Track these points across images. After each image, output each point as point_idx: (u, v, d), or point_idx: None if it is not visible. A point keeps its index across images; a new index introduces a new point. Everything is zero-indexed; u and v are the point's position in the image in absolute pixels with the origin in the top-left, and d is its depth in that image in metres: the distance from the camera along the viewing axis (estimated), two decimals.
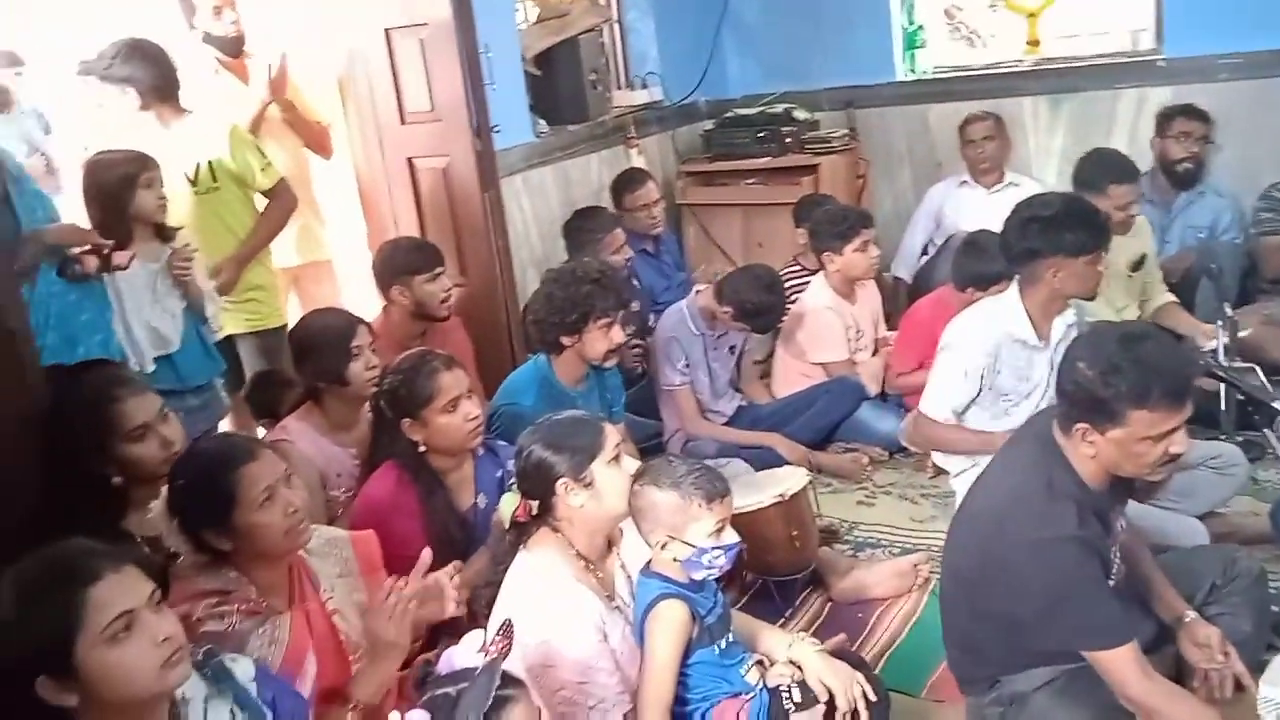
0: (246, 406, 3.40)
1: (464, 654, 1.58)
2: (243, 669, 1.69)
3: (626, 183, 4.42)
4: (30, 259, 2.60)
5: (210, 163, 3.41)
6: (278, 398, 3.17)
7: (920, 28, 5.02)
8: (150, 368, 2.95)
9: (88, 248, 2.70)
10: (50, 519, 2.02)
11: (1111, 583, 2.03)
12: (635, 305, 3.71)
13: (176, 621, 1.54)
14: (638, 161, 4.77)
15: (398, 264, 3.36)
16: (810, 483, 2.96)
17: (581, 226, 4.05)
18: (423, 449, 2.51)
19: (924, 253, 4.68)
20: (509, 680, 1.53)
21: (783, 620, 2.76)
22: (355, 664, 2.07)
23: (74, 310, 2.76)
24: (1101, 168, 3.43)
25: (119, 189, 3.00)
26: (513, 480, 2.10)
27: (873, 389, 3.86)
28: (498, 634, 1.59)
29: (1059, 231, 2.67)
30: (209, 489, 1.91)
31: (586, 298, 3.00)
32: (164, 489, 2.00)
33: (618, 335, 3.08)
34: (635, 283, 4.07)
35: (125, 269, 2.80)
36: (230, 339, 3.47)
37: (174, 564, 1.99)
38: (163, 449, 2.21)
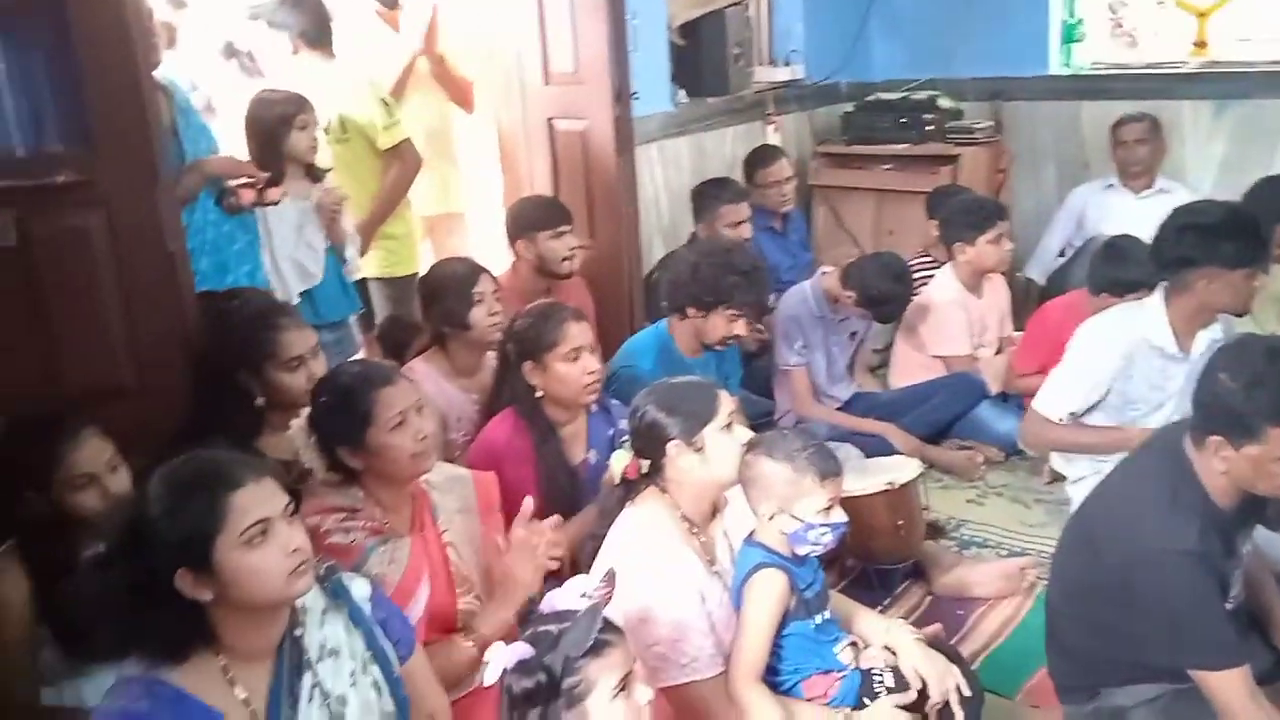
0: (377, 347, 3.54)
1: (566, 597, 1.63)
2: (359, 588, 1.76)
3: (760, 158, 4.40)
4: (192, 187, 2.76)
5: (340, 115, 3.53)
6: (406, 342, 3.29)
7: (1080, 21, 4.84)
8: (295, 300, 3.10)
9: (245, 180, 2.85)
10: (194, 431, 2.16)
11: (1229, 605, 1.96)
12: None
13: (306, 536, 1.61)
14: (773, 139, 4.75)
15: (525, 219, 3.44)
16: (921, 475, 2.93)
17: (708, 193, 4.04)
18: (540, 394, 2.57)
19: (1060, 254, 4.54)
20: (609, 626, 1.57)
21: (880, 609, 2.74)
22: (461, 597, 2.17)
23: (227, 240, 2.92)
24: None
25: (275, 127, 3.15)
26: (625, 438, 2.14)
27: (994, 387, 3.77)
28: (601, 581, 1.63)
29: (1217, 241, 2.56)
30: (348, 407, 2.03)
31: (728, 286, 3.00)
32: (302, 412, 2.11)
33: (739, 329, 3.08)
34: None
35: (277, 204, 2.94)
36: (365, 281, 3.61)
37: (307, 481, 2.10)
38: (309, 382, 2.32)
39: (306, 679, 1.64)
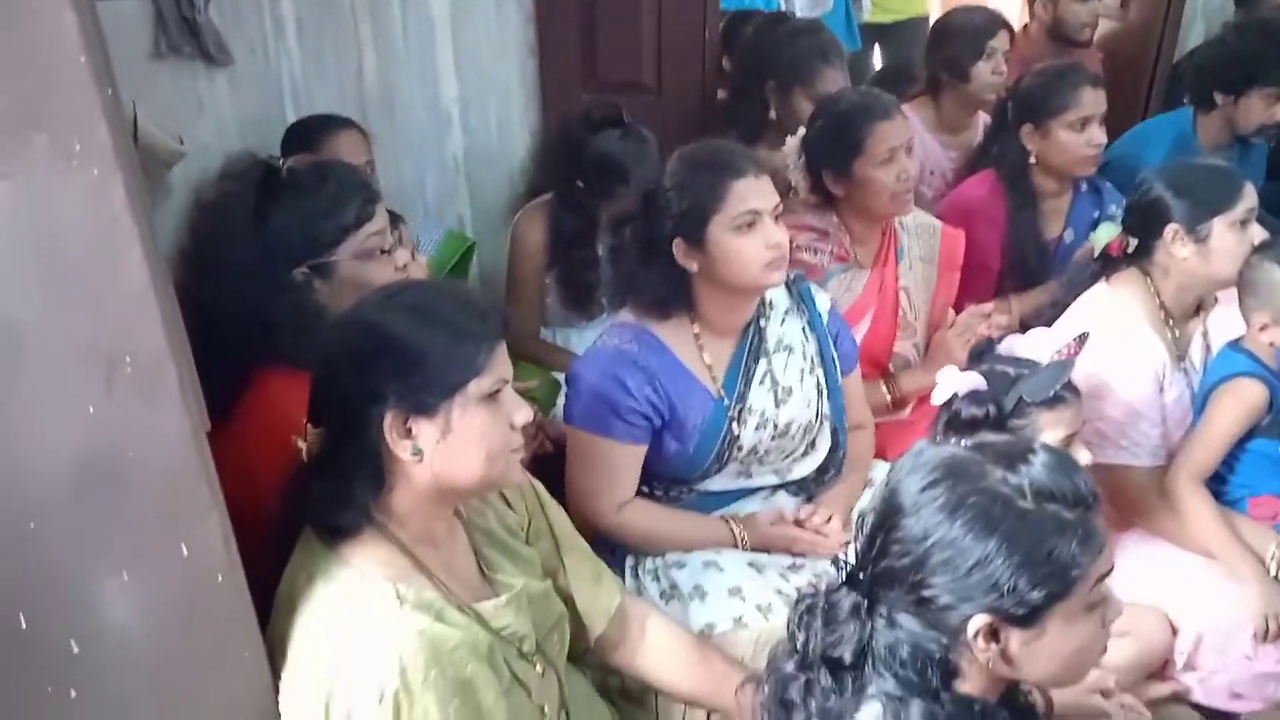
0: None
1: (1027, 345, 1.64)
2: (822, 300, 1.90)
3: None
4: None
5: None
6: (899, 91, 3.24)
7: None
8: None
9: None
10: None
11: None
12: None
13: (786, 236, 1.72)
14: None
15: None
16: None
17: None
18: (1033, 161, 2.47)
19: None
20: (1069, 385, 1.57)
21: None
22: (899, 341, 2.24)
23: None
24: None
25: None
26: (1117, 211, 2.02)
27: None
28: (1074, 340, 1.61)
29: None
30: (842, 134, 2.09)
31: (1256, 57, 2.61)
32: (799, 130, 2.21)
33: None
34: None
35: None
36: (872, 27, 3.58)
37: (789, 197, 2.22)
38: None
39: (761, 364, 1.82)
